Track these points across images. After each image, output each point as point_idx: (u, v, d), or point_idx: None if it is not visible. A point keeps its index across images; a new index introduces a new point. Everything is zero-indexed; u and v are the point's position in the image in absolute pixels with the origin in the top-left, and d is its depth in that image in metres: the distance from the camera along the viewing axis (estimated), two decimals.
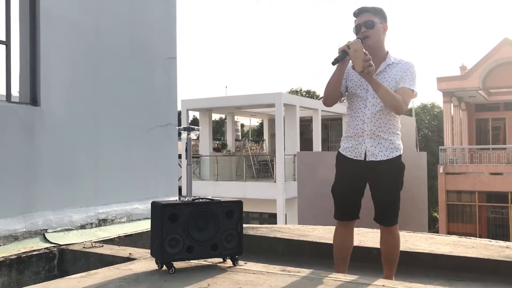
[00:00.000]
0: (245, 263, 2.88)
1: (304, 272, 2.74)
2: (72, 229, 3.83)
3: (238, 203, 2.86)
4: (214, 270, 2.75)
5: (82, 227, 3.92)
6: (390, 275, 2.97)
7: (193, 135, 2.95)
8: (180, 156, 5.86)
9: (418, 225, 21.15)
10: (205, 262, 2.87)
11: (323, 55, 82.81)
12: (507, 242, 3.79)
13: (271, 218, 17.75)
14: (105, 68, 4.23)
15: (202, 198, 2.83)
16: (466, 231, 20.28)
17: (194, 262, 2.86)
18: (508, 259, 3.28)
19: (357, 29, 2.87)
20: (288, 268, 2.82)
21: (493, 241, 3.87)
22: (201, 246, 2.74)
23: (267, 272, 2.72)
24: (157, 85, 4.74)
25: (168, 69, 4.85)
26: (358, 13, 2.89)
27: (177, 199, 3.33)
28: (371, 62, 2.66)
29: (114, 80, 4.31)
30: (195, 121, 27.62)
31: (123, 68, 4.40)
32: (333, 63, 2.79)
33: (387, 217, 2.90)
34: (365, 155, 2.87)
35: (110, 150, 4.23)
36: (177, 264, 2.76)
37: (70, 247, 3.46)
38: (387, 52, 2.93)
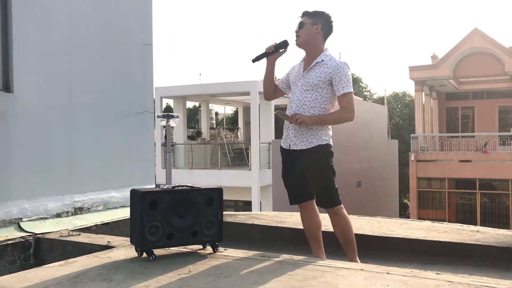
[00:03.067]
0: (225, 250, 2.91)
1: (283, 257, 2.78)
2: (47, 218, 3.78)
3: (218, 191, 2.88)
4: (194, 256, 2.77)
5: (58, 215, 3.87)
6: (353, 258, 3.07)
7: (172, 123, 2.92)
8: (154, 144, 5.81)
9: (389, 211, 21.58)
10: (185, 249, 2.88)
11: None
12: (477, 227, 3.93)
13: (246, 206, 17.80)
14: (79, 54, 4.15)
15: (182, 186, 2.83)
16: (436, 217, 20.79)
17: (174, 249, 2.86)
18: (478, 243, 3.40)
19: (295, 29, 3.24)
20: (268, 253, 2.86)
21: (465, 226, 3.99)
22: (181, 233, 2.75)
23: (247, 258, 2.75)
24: (132, 72, 4.68)
25: (144, 55, 4.79)
26: (300, 16, 3.24)
27: (154, 187, 3.31)
28: (296, 117, 3.04)
29: (89, 67, 4.23)
30: (168, 109, 27.34)
31: (98, 55, 4.32)
32: (253, 61, 3.25)
33: (323, 200, 3.13)
34: (289, 145, 3.16)
35: (86, 138, 4.17)
36: (157, 252, 2.76)
37: (47, 236, 3.41)
38: (324, 50, 3.17)
